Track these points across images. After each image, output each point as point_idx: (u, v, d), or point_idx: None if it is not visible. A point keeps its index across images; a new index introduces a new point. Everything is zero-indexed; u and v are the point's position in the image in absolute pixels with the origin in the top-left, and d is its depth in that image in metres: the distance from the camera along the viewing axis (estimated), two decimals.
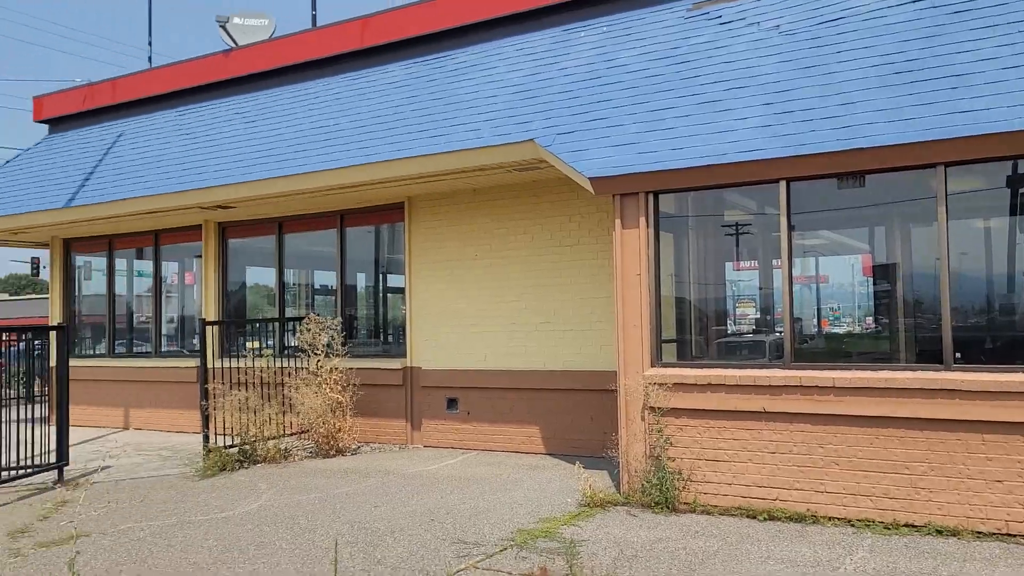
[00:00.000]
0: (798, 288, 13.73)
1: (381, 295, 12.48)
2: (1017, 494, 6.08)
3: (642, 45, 9.39)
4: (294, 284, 13.40)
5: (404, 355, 11.13)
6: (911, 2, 7.81)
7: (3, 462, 8.79)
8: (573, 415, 9.79)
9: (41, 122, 16.34)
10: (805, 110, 7.15)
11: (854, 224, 11.33)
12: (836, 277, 16.18)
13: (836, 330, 16.52)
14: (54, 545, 6.56)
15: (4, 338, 11.74)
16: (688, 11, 9.59)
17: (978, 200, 8.02)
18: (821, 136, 6.80)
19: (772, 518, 6.80)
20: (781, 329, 7.26)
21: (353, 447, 10.69)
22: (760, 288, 12.55)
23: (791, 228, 7.11)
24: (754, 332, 11.78)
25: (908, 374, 6.49)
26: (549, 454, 9.93)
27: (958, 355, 6.44)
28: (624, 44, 9.60)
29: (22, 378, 9.56)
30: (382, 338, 12.15)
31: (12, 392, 9.12)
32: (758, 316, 12.41)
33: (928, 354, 7.14)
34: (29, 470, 9.06)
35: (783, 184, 7.03)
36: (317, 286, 13.52)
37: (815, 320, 15.10)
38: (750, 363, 7.91)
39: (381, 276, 12.45)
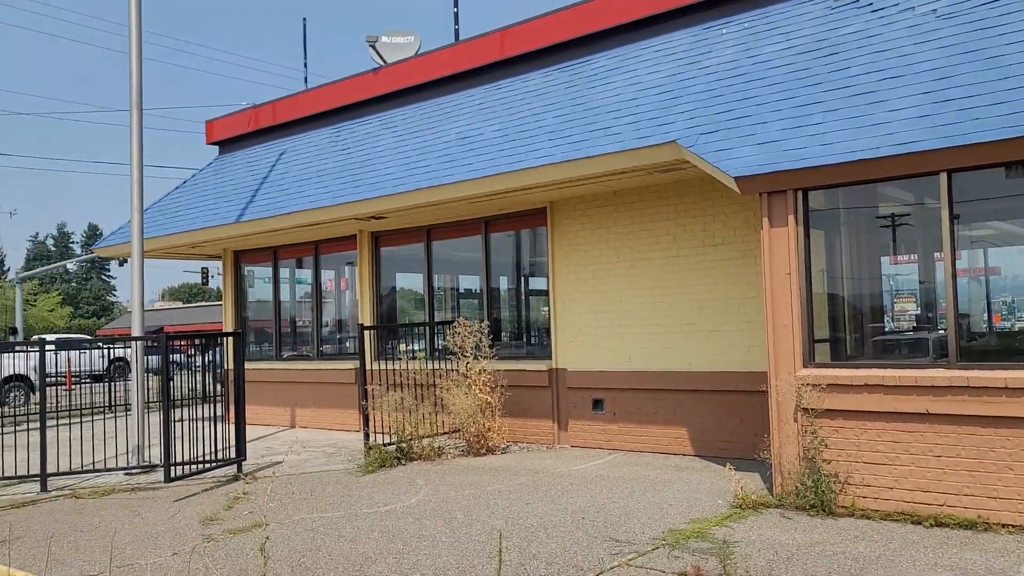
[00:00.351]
0: (964, 282, 12.95)
1: (524, 298, 12.79)
2: None
3: (786, 39, 9.18)
4: (440, 288, 13.95)
5: (549, 357, 11.37)
6: None
7: (188, 457, 9.71)
8: (721, 416, 9.70)
9: (212, 144, 17.79)
10: (967, 97, 6.80)
11: None
12: (1010, 269, 15.11)
13: (1010, 326, 15.41)
14: (240, 532, 7.21)
15: (185, 343, 12.92)
16: (836, 0, 9.29)
17: None
18: (986, 124, 6.45)
19: (939, 524, 6.51)
20: (944, 326, 6.92)
21: (502, 446, 11.02)
22: (921, 282, 11.91)
23: (954, 220, 6.78)
24: (914, 329, 11.21)
25: None
26: (697, 455, 9.87)
27: None
28: (767, 39, 9.43)
29: (201, 380, 10.47)
30: (526, 340, 12.45)
31: (193, 393, 10.03)
32: (918, 312, 11.79)
33: None
34: (212, 464, 9.95)
35: (944, 176, 6.72)
36: (462, 290, 14.02)
37: (985, 315, 14.15)
38: (910, 363, 7.59)
39: (524, 279, 12.76)
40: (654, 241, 10.36)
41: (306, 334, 15.54)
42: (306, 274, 15.71)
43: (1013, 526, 6.28)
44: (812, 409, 7.19)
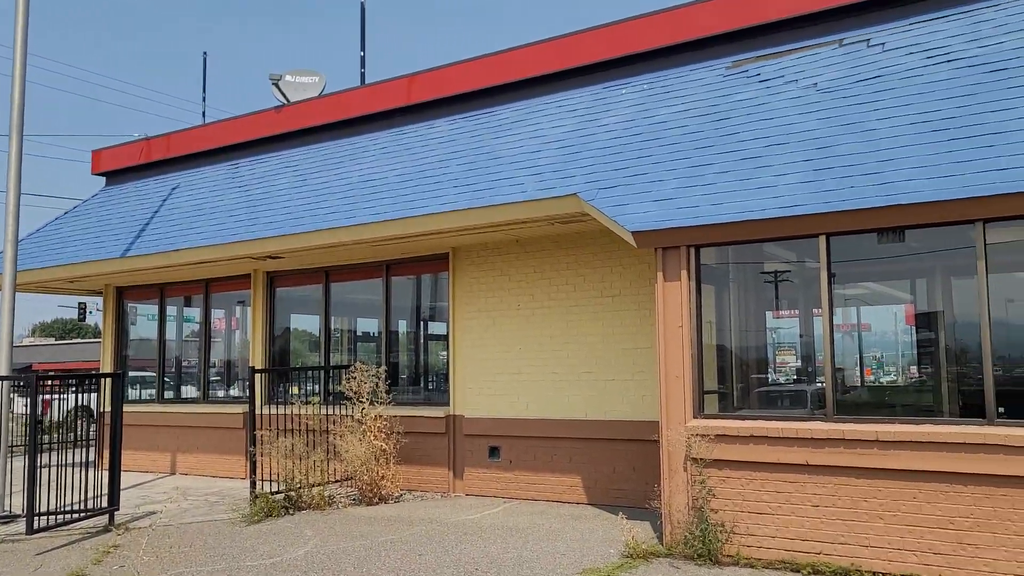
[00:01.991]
0: (839, 336, 13.73)
1: (424, 343, 12.70)
2: None
3: (682, 102, 9.63)
4: (336, 330, 13.69)
5: (447, 403, 11.29)
6: (947, 62, 7.97)
7: (56, 506, 9.07)
8: (615, 465, 9.84)
9: (99, 175, 17.04)
10: (845, 167, 7.29)
11: (896, 276, 11.34)
12: (879, 325, 16.11)
13: (879, 379, 16.38)
14: None
15: (58, 384, 12.15)
16: (727, 69, 9.83)
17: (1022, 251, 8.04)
18: (861, 192, 6.92)
19: (816, 572, 6.77)
20: (822, 379, 7.30)
21: (396, 495, 10.81)
22: (801, 336, 12.56)
23: (831, 280, 7.20)
24: (795, 381, 11.77)
25: (950, 428, 6.49)
26: (591, 504, 9.96)
27: (1001, 409, 6.43)
28: (664, 101, 9.86)
29: (72, 423, 9.86)
30: (424, 386, 12.34)
31: (62, 437, 9.42)
32: (799, 365, 12.39)
33: (972, 408, 7.12)
34: (82, 514, 9.32)
35: (823, 239, 7.15)
36: (359, 333, 13.79)
37: (858, 369, 14.99)
38: (792, 415, 7.94)
39: (424, 324, 12.69)
40: (554, 290, 10.53)
41: (192, 375, 14.90)
42: (194, 312, 15.12)
43: (884, 573, 6.59)
44: (701, 459, 7.40)
